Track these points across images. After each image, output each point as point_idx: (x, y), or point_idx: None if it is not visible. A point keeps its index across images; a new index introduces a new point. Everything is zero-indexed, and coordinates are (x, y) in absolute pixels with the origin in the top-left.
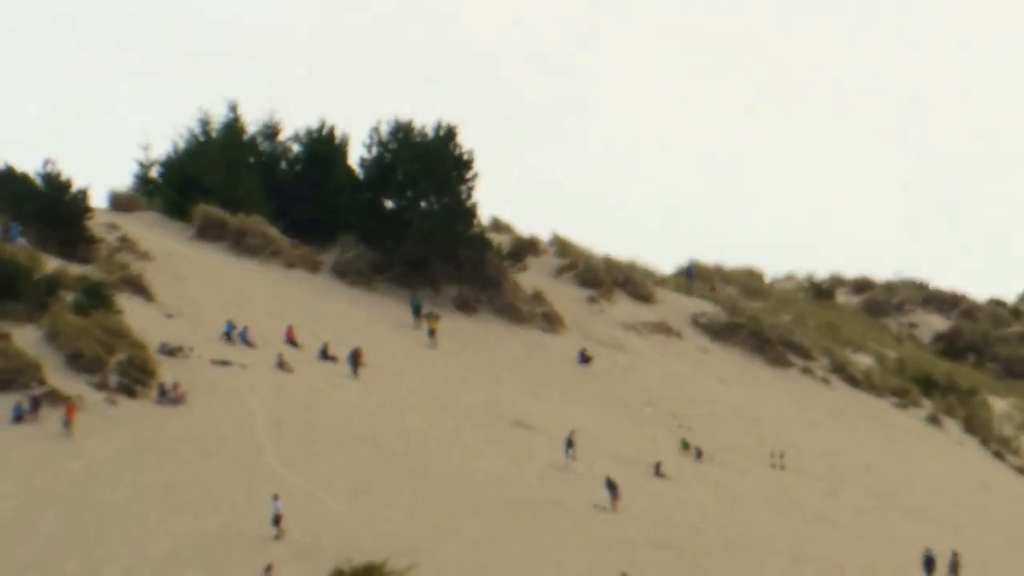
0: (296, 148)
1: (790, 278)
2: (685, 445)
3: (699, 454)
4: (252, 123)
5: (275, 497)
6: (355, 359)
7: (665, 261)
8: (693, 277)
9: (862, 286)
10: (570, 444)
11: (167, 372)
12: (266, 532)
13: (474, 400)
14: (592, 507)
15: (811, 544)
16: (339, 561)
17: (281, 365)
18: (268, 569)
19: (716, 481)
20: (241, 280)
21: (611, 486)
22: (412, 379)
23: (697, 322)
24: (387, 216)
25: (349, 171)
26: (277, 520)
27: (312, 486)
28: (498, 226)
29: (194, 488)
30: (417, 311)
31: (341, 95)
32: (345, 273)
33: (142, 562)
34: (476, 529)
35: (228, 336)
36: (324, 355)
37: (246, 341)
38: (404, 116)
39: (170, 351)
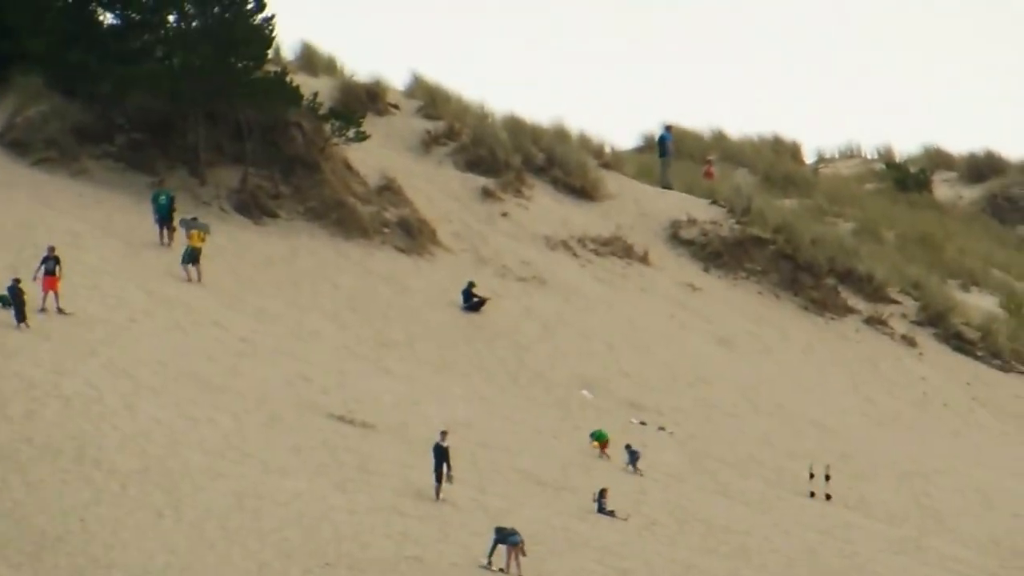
0: None
1: (851, 156)
2: (631, 457)
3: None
4: None
5: None
6: (17, 297)
7: (621, 126)
8: (671, 153)
9: (983, 169)
10: (442, 456)
11: None
12: None
13: (269, 377)
14: (479, 569)
15: None
16: None
17: None
18: None
19: (706, 522)
20: None
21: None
22: (152, 341)
23: (678, 236)
24: (103, 41)
25: None
26: None
27: None
28: (312, 62)
29: None
30: (165, 216)
31: None
32: (27, 144)
33: None
34: None
35: None
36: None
37: None
38: None
39: None
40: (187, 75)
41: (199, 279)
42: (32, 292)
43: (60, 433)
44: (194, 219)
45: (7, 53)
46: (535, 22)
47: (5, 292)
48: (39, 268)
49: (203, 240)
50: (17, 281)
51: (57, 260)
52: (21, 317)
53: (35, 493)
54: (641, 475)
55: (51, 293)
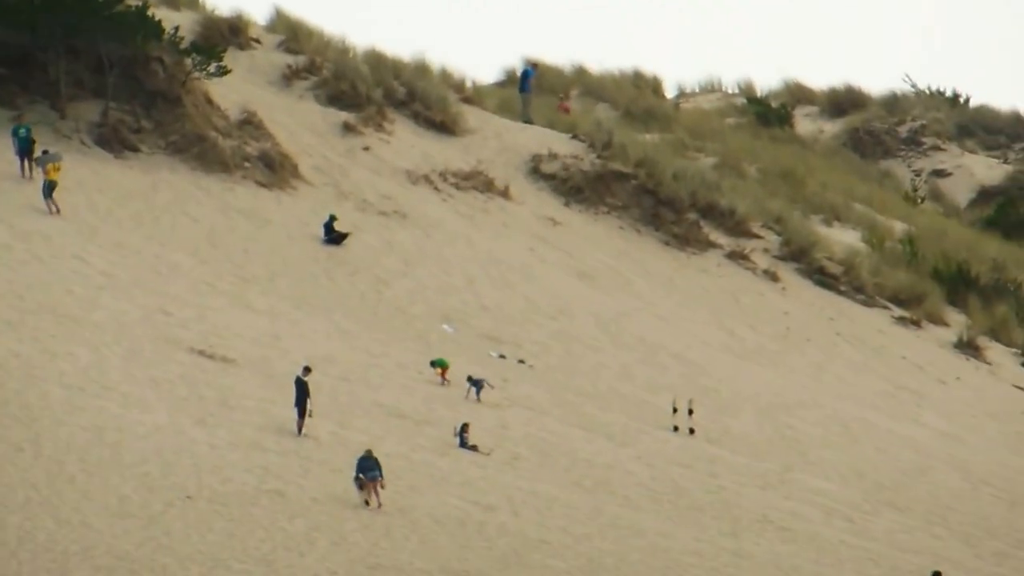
0: None
1: (712, 91)
2: (475, 387)
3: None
4: None
5: None
6: None
7: (482, 61)
8: (531, 89)
9: (844, 103)
10: (302, 391)
11: None
12: None
13: (128, 310)
14: (341, 502)
15: None
16: None
17: None
18: None
19: (568, 455)
20: None
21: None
22: (9, 274)
23: (539, 170)
24: None
25: None
26: None
27: None
28: None
29: None
30: (25, 149)
31: None
32: None
33: None
34: (108, 542)
35: None
36: None
37: None
38: None
39: None
40: (47, 8)
41: (57, 210)
42: None
43: None
44: (46, 152)
45: None
46: None
47: None
48: None
49: (56, 172)
50: None
51: None
52: None
53: None
54: (481, 403)
55: None
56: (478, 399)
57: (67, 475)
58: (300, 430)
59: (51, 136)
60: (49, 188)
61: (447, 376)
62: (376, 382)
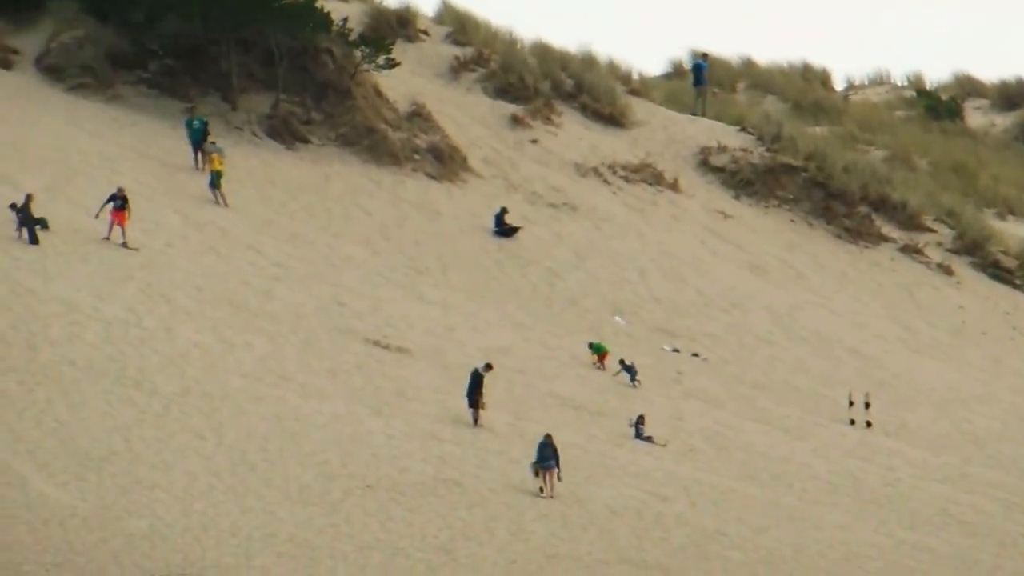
0: None
1: (880, 83)
2: (628, 373)
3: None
4: None
5: None
6: (28, 217)
7: (648, 53)
8: (706, 83)
9: (1016, 97)
10: (475, 383)
11: None
12: None
13: (303, 301)
14: (518, 492)
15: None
16: None
17: None
18: None
19: (744, 448)
20: None
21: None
22: (188, 265)
23: (708, 163)
24: None
25: None
26: None
27: (1, 450)
28: None
29: None
30: (199, 141)
31: None
32: (62, 70)
33: None
34: (289, 530)
35: None
36: (26, 218)
37: None
38: None
39: None
40: (218, 1)
41: (224, 202)
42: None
43: (101, 355)
44: (212, 143)
45: None
46: None
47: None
48: (103, 207)
49: (220, 163)
50: (28, 199)
51: (125, 200)
52: (33, 238)
53: (79, 413)
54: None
55: (117, 226)
56: (633, 384)
57: (249, 463)
58: (476, 421)
59: (223, 127)
60: (215, 179)
61: (605, 361)
62: (551, 373)
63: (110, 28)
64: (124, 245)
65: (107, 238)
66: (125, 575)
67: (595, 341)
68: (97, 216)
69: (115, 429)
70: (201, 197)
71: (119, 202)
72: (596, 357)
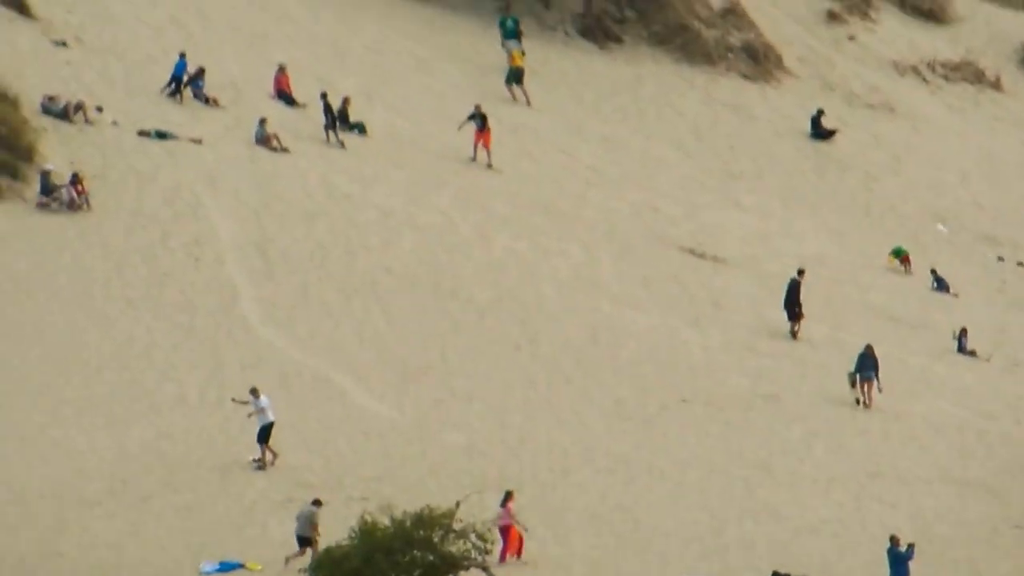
0: None
1: None
2: (938, 284)
3: None
4: None
5: (254, 392)
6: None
7: None
8: None
9: None
10: (793, 293)
11: (56, 149)
12: (240, 453)
13: (617, 207)
14: (837, 406)
15: None
16: (369, 502)
17: (265, 140)
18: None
19: None
20: None
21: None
22: (504, 168)
23: None
24: None
25: None
26: (264, 435)
27: (321, 362)
28: None
29: (111, 373)
30: (513, 39)
31: None
32: None
33: None
34: (606, 444)
35: (175, 85)
36: (341, 119)
37: (200, 95)
38: None
39: (62, 110)
40: None
41: (527, 101)
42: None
43: (417, 263)
44: (512, 37)
45: None
46: None
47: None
48: (465, 122)
49: (520, 60)
50: (345, 102)
51: (484, 117)
52: (331, 127)
53: (395, 323)
54: (956, 296)
55: (482, 147)
56: (949, 293)
57: (564, 375)
58: (794, 335)
59: (535, 27)
60: (515, 75)
61: (909, 264)
62: (868, 283)
63: None
64: (489, 166)
65: (473, 159)
66: (443, 489)
67: (896, 246)
68: (459, 128)
69: (431, 339)
70: (511, 101)
71: (479, 121)
72: (898, 261)
